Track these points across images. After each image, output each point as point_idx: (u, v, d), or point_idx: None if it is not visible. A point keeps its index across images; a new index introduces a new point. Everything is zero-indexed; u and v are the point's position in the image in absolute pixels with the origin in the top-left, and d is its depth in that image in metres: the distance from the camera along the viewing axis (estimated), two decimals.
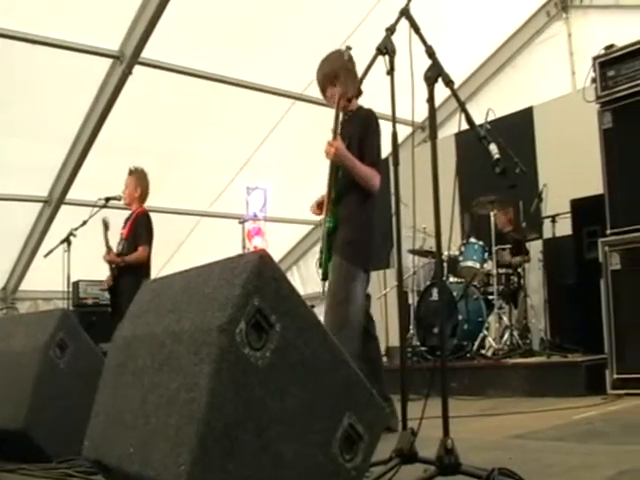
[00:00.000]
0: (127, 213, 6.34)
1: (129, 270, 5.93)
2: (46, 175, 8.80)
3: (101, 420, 2.26)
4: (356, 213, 3.91)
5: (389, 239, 3.95)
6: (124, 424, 2.06)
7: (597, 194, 5.26)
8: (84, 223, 6.66)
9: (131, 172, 6.25)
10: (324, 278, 3.98)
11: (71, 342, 3.31)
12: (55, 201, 9.02)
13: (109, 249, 6.07)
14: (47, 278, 8.47)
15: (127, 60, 7.44)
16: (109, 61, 7.57)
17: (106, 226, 6.12)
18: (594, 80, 5.12)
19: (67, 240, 6.91)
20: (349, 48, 3.90)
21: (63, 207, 9.08)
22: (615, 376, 4.79)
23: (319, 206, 4.11)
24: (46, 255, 7.13)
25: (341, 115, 3.89)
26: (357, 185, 3.89)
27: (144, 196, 6.25)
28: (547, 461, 2.74)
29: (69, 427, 2.94)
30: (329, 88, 4.07)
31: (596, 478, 2.38)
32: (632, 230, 4.81)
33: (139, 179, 6.23)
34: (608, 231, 4.96)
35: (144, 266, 6.02)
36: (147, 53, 7.53)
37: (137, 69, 7.58)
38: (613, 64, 5.00)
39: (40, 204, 9.18)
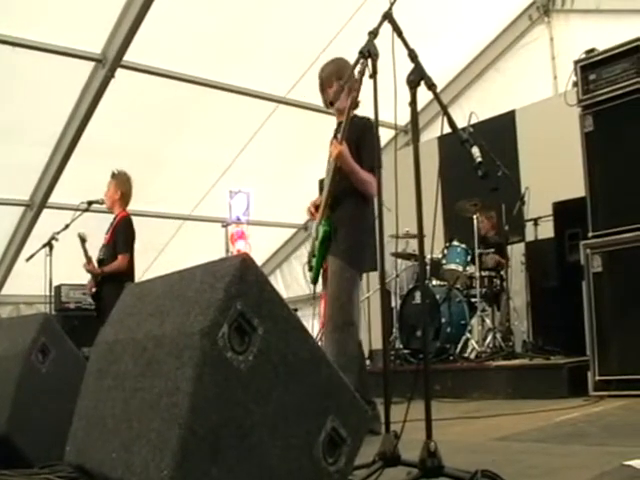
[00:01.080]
0: (110, 217, 6.31)
1: (111, 277, 5.90)
2: (28, 178, 8.74)
3: (83, 425, 2.24)
4: (355, 217, 3.96)
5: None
6: (106, 429, 2.05)
7: (579, 197, 5.30)
8: (66, 227, 6.63)
9: (113, 175, 6.22)
10: (314, 281, 4.02)
11: (53, 347, 3.28)
12: (37, 205, 8.97)
13: (89, 259, 6.04)
14: (29, 282, 8.42)
15: (109, 63, 7.41)
16: (91, 64, 7.54)
17: (83, 240, 6.09)
18: (576, 84, 5.16)
19: (49, 244, 6.87)
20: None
21: (45, 211, 9.03)
22: (597, 378, 4.82)
23: (317, 207, 4.13)
24: (28, 259, 7.08)
25: (339, 122, 3.93)
26: (355, 189, 3.93)
27: (126, 200, 6.22)
28: (530, 462, 2.75)
29: (51, 432, 2.91)
30: (335, 84, 4.00)
31: (578, 479, 2.39)
32: (613, 232, 4.84)
33: (120, 182, 6.20)
34: (590, 234, 4.99)
35: (126, 272, 5.99)
36: (130, 56, 7.51)
37: (119, 72, 7.56)
38: (594, 68, 5.03)
39: (22, 208, 9.12)
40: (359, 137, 3.95)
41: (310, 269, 4.06)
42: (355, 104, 4.02)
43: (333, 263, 3.94)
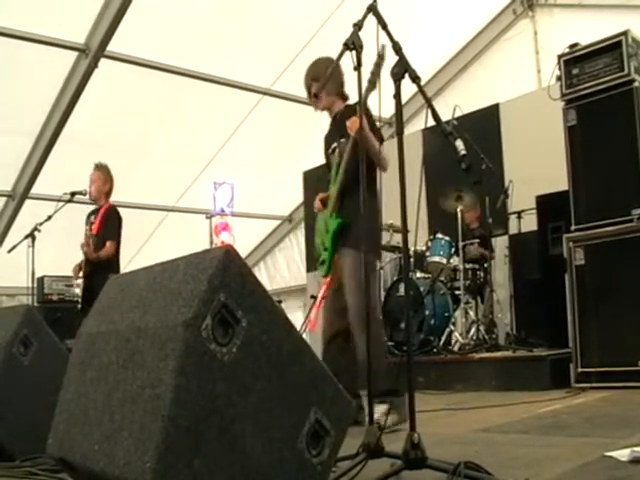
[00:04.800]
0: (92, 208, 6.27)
1: (101, 268, 5.87)
2: (10, 169, 8.68)
3: (65, 417, 2.23)
4: (365, 206, 3.95)
5: None
6: (89, 421, 2.04)
7: (562, 190, 5.33)
8: (49, 218, 6.57)
9: (98, 167, 6.18)
10: (326, 275, 4.04)
11: (35, 339, 3.26)
12: (19, 195, 8.91)
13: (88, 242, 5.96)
14: (11, 274, 8.37)
15: (93, 53, 7.36)
16: (74, 54, 7.48)
17: None
18: (559, 78, 5.19)
19: (31, 235, 6.82)
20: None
21: (27, 201, 8.97)
22: (579, 370, 4.86)
23: (323, 202, 4.16)
24: (10, 250, 7.02)
25: (333, 117, 4.08)
26: (358, 180, 3.94)
27: (111, 191, 6.21)
28: (512, 454, 2.77)
29: (33, 424, 2.90)
30: (314, 84, 4.09)
31: (559, 469, 2.40)
32: (596, 226, 4.88)
33: (108, 174, 6.19)
34: (572, 227, 5.03)
35: (114, 263, 5.97)
36: (113, 46, 7.46)
37: (103, 62, 7.51)
38: (577, 62, 5.07)
39: (4, 198, 9.06)
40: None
41: (322, 263, 4.06)
42: (344, 97, 4.14)
43: (348, 255, 3.91)
